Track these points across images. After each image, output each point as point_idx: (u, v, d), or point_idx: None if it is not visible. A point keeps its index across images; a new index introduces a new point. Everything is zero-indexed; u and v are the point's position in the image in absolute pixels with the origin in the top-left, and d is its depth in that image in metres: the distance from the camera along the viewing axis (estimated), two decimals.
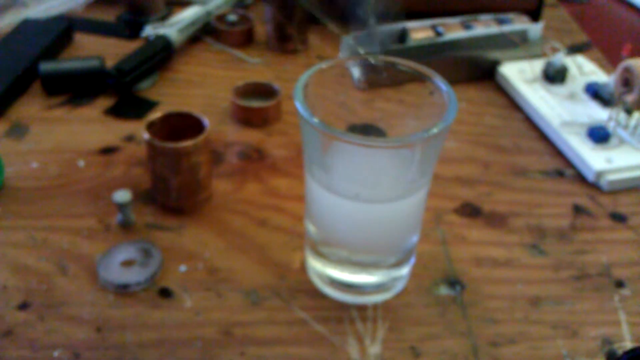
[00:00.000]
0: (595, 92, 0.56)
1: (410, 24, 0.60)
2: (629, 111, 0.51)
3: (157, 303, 0.39)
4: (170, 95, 0.58)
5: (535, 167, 0.51)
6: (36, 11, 0.68)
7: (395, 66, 0.37)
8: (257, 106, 0.54)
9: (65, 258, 0.41)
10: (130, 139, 0.52)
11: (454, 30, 0.61)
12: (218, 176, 0.48)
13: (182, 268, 0.41)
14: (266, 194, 0.47)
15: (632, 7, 0.83)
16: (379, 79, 0.38)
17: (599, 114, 0.54)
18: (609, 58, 0.66)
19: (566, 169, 0.51)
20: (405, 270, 0.40)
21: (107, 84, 0.57)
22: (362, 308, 0.39)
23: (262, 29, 0.67)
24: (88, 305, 0.38)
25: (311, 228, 0.39)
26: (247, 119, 0.54)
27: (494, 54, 0.61)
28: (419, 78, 0.36)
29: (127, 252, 0.41)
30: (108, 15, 0.70)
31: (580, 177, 0.50)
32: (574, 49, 0.67)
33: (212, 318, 0.38)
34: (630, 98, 0.49)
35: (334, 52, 0.64)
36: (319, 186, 0.36)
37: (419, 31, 0.60)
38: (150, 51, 0.59)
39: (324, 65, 0.36)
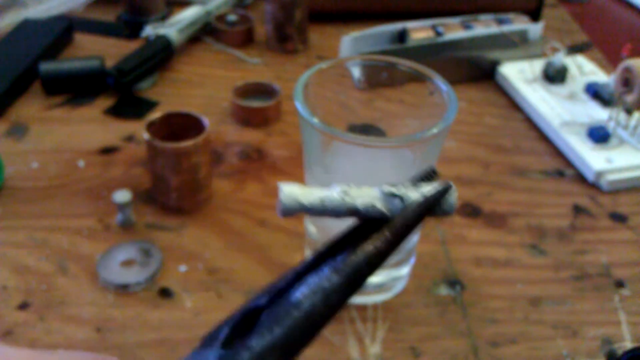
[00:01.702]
0: (595, 92, 0.56)
1: (410, 24, 0.60)
2: (629, 111, 0.51)
3: (157, 303, 0.39)
4: (170, 95, 0.58)
5: (535, 167, 0.51)
6: (36, 11, 0.68)
7: (395, 66, 0.37)
8: (257, 106, 0.54)
9: (65, 258, 0.41)
10: (130, 139, 0.52)
11: (454, 30, 0.61)
12: (218, 176, 0.48)
13: (182, 268, 0.41)
14: (266, 194, 0.47)
15: (632, 7, 0.82)
16: (379, 79, 0.38)
17: (599, 114, 0.54)
18: (609, 58, 0.66)
19: (566, 169, 0.51)
20: (405, 270, 0.40)
21: (107, 84, 0.57)
22: (362, 308, 0.39)
23: (262, 29, 0.67)
24: (88, 305, 0.38)
25: (311, 228, 0.39)
26: (247, 119, 0.54)
27: (494, 54, 0.61)
28: (419, 78, 0.36)
29: (127, 252, 0.41)
30: (108, 15, 0.70)
31: (580, 177, 0.50)
32: (574, 49, 0.67)
33: (212, 318, 0.38)
34: (630, 98, 0.49)
35: (334, 52, 0.64)
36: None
37: (419, 31, 0.60)
38: (150, 51, 0.59)
39: (324, 65, 0.36)
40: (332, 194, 0.23)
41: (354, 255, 0.21)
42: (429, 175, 0.24)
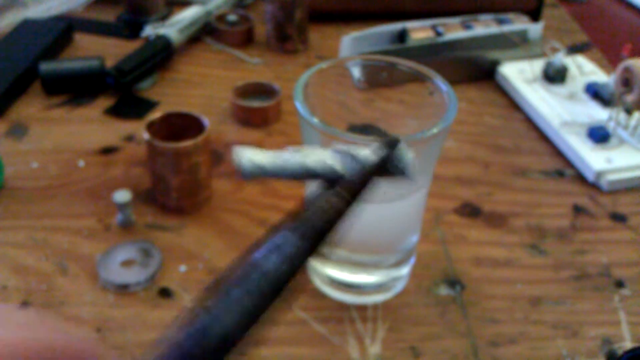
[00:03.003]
0: (595, 92, 0.56)
1: (410, 24, 0.60)
2: (629, 111, 0.51)
3: (157, 303, 0.39)
4: (170, 95, 0.58)
5: (535, 167, 0.51)
6: (36, 11, 0.68)
7: (395, 66, 0.37)
8: (257, 106, 0.54)
9: (65, 258, 0.41)
10: (130, 139, 0.52)
11: (454, 30, 0.61)
12: (218, 176, 0.48)
13: (182, 268, 0.41)
14: (266, 194, 0.47)
15: (632, 7, 0.83)
16: (379, 79, 0.38)
17: (599, 114, 0.54)
18: (609, 58, 0.66)
19: (566, 169, 0.51)
20: (405, 270, 0.40)
21: (107, 84, 0.57)
22: (362, 308, 0.39)
23: (262, 29, 0.67)
24: (88, 305, 0.38)
25: None
26: (247, 119, 0.54)
27: (494, 54, 0.61)
28: (419, 78, 0.36)
29: (127, 252, 0.41)
30: (108, 15, 0.70)
31: (580, 177, 0.50)
32: (574, 49, 0.67)
33: None
34: (630, 98, 0.49)
35: (334, 52, 0.64)
36: (319, 186, 0.36)
37: (419, 31, 0.60)
38: (150, 51, 0.59)
39: (324, 65, 0.36)
40: (287, 154, 0.24)
41: (309, 213, 0.21)
42: (392, 143, 0.24)
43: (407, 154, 0.24)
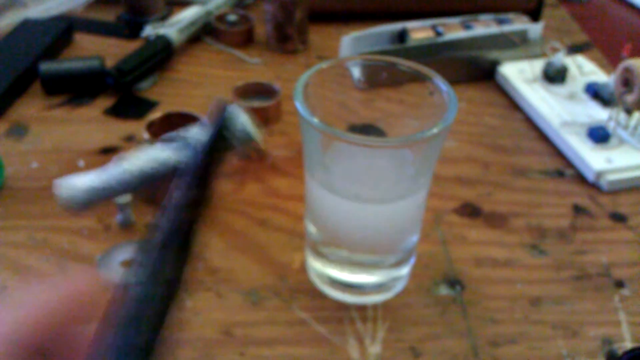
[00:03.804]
0: (595, 92, 0.56)
1: (410, 24, 0.60)
2: (629, 111, 0.51)
3: None
4: (170, 95, 0.58)
5: (535, 167, 0.51)
6: (36, 11, 0.68)
7: (395, 66, 0.37)
8: (257, 106, 0.54)
9: (65, 258, 0.41)
10: (130, 139, 0.52)
11: (454, 30, 0.61)
12: (218, 176, 0.48)
13: None
14: (266, 194, 0.47)
15: (632, 7, 0.82)
16: (379, 79, 0.38)
17: (599, 114, 0.54)
18: (609, 58, 0.66)
19: (566, 169, 0.51)
20: (405, 270, 0.40)
21: (107, 84, 0.57)
22: (362, 308, 0.39)
23: (262, 29, 0.67)
24: None
25: (311, 228, 0.39)
26: None
27: (494, 54, 0.61)
28: (419, 78, 0.36)
29: (127, 252, 0.41)
30: (108, 15, 0.70)
31: (580, 177, 0.50)
32: (574, 49, 0.67)
33: (212, 318, 0.38)
34: (630, 98, 0.49)
35: (334, 52, 0.64)
36: (319, 186, 0.36)
37: (419, 31, 0.60)
38: (150, 51, 0.59)
39: (324, 65, 0.36)
40: (112, 167, 0.22)
41: (167, 212, 0.19)
42: (219, 111, 0.22)
43: (240, 117, 0.22)
